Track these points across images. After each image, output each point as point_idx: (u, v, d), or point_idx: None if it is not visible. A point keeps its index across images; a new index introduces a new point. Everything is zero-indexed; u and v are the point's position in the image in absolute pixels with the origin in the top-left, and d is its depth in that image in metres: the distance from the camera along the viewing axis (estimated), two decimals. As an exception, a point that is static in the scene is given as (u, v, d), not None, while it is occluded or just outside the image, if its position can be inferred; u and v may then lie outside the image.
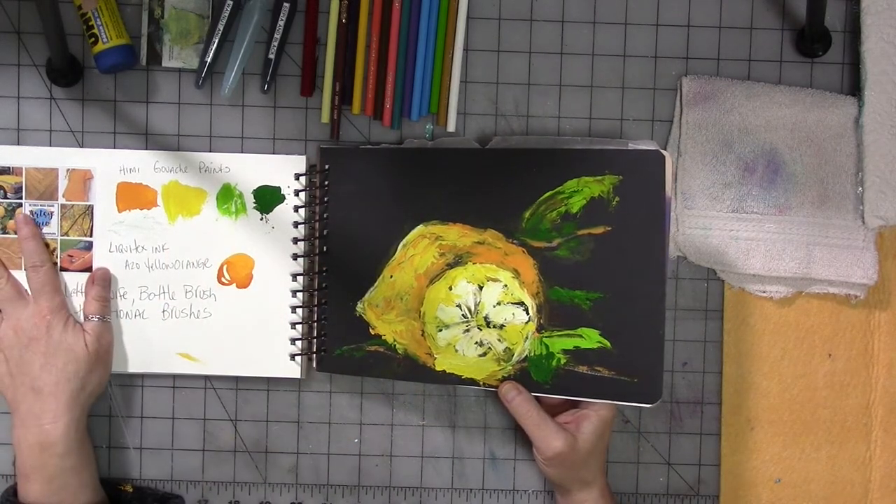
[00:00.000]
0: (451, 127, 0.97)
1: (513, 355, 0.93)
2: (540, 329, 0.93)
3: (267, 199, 0.96)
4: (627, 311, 0.90)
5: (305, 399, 0.99)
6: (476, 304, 0.94)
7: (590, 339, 0.91)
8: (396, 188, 0.95)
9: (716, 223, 0.97)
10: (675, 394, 0.99)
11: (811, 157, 0.96)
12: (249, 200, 0.97)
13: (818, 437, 0.99)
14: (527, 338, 0.93)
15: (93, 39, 0.94)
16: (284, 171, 0.96)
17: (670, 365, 0.98)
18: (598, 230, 0.91)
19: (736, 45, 0.98)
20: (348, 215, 0.95)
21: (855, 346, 0.99)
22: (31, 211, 0.96)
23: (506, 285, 0.93)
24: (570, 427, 0.91)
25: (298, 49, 0.97)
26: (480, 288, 0.94)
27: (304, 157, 0.97)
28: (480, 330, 0.93)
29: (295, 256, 0.96)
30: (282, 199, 0.96)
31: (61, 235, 0.96)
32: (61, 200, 0.97)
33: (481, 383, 0.94)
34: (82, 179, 0.96)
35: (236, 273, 0.97)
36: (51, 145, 0.97)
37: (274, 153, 0.97)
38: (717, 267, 0.98)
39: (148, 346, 0.97)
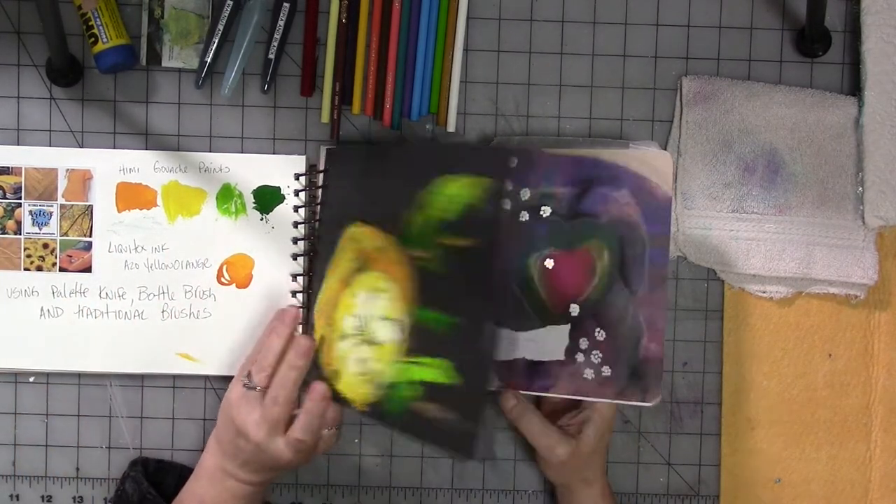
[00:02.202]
0: (451, 127, 0.97)
1: (382, 379, 0.86)
2: (408, 352, 0.84)
3: (267, 199, 0.96)
4: (475, 338, 0.79)
5: (305, 399, 0.99)
6: (366, 317, 0.88)
7: (441, 371, 0.82)
8: (343, 188, 0.93)
9: (716, 223, 0.97)
10: (675, 394, 0.99)
11: (811, 157, 0.96)
12: (249, 200, 0.97)
13: (818, 437, 0.99)
14: (394, 361, 0.85)
15: (93, 39, 0.94)
16: (284, 171, 0.96)
17: (670, 365, 0.98)
18: (464, 242, 0.83)
19: (736, 45, 0.98)
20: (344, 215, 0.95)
21: (855, 346, 0.99)
22: (30, 211, 0.96)
23: (390, 298, 0.86)
24: (572, 429, 0.91)
25: (298, 49, 0.97)
26: (372, 298, 0.87)
27: (304, 157, 0.97)
28: (368, 346, 0.88)
29: (295, 256, 0.96)
30: (282, 199, 0.96)
31: (60, 235, 0.96)
32: (60, 200, 0.96)
33: (357, 407, 0.88)
34: (82, 179, 0.96)
35: (236, 273, 0.97)
36: (50, 145, 0.97)
37: (274, 153, 0.97)
38: (717, 267, 0.98)
39: (148, 346, 0.97)
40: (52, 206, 0.96)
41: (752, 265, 0.96)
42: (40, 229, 0.96)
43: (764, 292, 0.98)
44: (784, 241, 0.96)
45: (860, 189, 0.96)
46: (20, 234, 0.96)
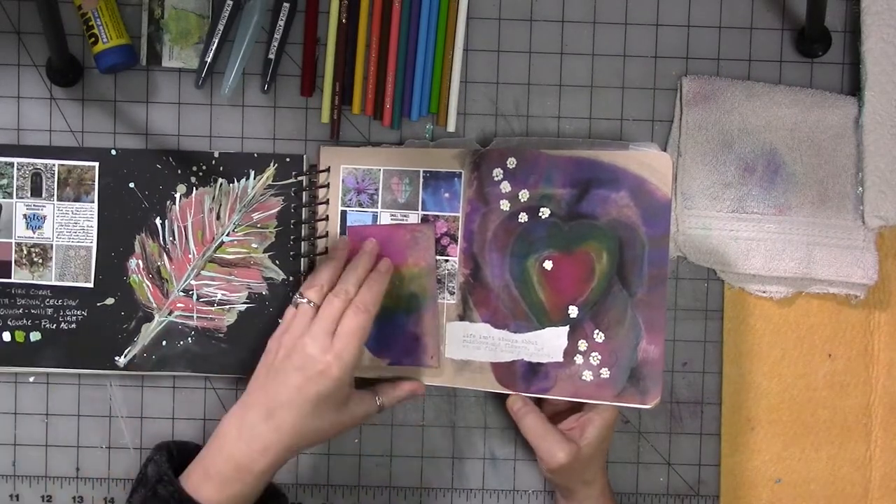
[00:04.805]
0: (451, 127, 0.97)
1: None
2: None
3: None
4: None
5: (305, 399, 0.99)
6: None
7: None
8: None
9: (716, 223, 0.97)
10: (675, 394, 0.99)
11: (811, 157, 0.96)
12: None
13: (818, 437, 0.99)
14: None
15: (93, 39, 0.94)
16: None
17: (670, 365, 0.98)
18: None
19: (736, 45, 0.98)
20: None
21: (855, 346, 0.99)
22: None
23: None
24: (574, 433, 0.91)
25: (298, 49, 0.97)
26: None
27: (304, 157, 0.97)
28: None
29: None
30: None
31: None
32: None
33: None
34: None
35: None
36: (50, 145, 0.97)
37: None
38: (717, 267, 0.98)
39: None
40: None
41: (752, 265, 0.96)
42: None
43: (764, 292, 0.98)
44: (784, 241, 0.96)
45: (860, 189, 0.96)
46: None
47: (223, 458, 0.84)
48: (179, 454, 0.90)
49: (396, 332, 0.95)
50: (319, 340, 0.85)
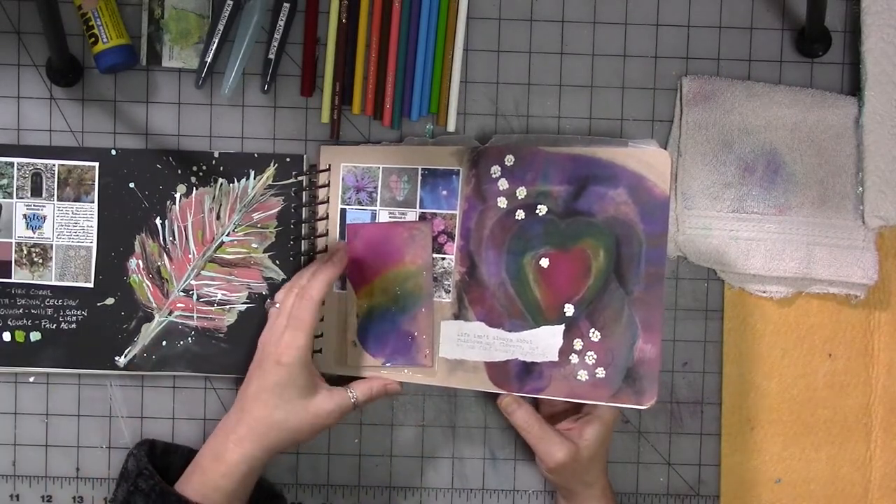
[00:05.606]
0: (451, 127, 0.97)
1: None
2: None
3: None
4: None
5: (305, 399, 0.99)
6: None
7: None
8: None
9: (716, 223, 0.97)
10: (675, 394, 0.99)
11: (811, 157, 0.96)
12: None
13: (818, 437, 0.99)
14: None
15: (93, 39, 0.94)
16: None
17: (670, 365, 0.98)
18: None
19: (736, 45, 0.98)
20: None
21: (855, 346, 0.99)
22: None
23: None
24: (573, 434, 0.91)
25: (298, 49, 0.97)
26: None
27: (304, 157, 0.97)
28: None
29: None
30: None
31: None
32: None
33: None
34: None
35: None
36: (51, 145, 0.97)
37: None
38: (717, 267, 0.98)
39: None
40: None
41: (752, 265, 0.96)
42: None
43: (764, 292, 0.98)
44: (784, 241, 0.96)
45: (860, 189, 0.96)
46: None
47: (205, 451, 0.89)
48: (164, 453, 0.94)
49: (391, 330, 0.95)
50: (273, 333, 0.89)
